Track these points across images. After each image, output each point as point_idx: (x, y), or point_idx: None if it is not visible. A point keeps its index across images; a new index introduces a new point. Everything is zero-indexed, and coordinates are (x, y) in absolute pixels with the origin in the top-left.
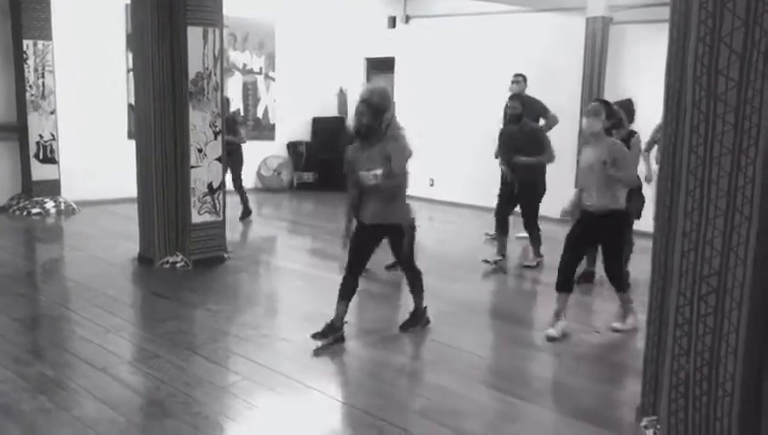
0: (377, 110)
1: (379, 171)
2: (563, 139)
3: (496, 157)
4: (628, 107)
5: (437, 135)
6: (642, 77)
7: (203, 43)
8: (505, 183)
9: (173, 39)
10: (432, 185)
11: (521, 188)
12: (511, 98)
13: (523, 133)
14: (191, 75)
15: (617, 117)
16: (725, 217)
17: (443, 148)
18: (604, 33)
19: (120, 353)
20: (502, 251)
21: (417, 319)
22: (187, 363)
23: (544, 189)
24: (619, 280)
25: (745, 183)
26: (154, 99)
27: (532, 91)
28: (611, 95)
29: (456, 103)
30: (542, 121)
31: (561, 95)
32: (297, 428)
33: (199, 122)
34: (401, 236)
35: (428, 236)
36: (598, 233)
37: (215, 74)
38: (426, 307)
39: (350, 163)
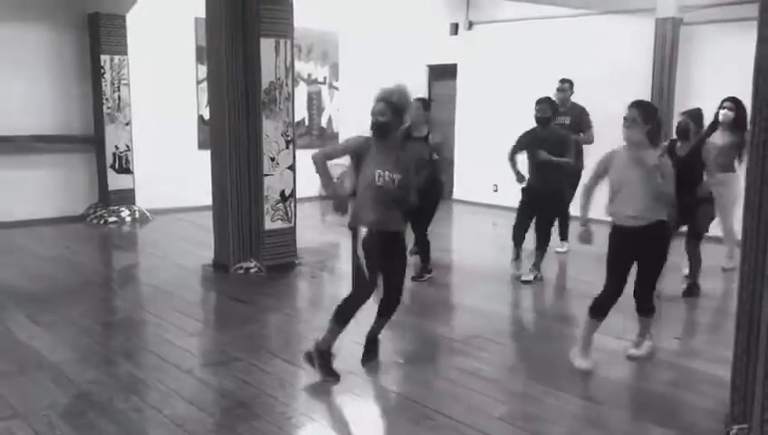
0: (396, 109)
1: (396, 176)
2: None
3: (510, 159)
4: (696, 116)
5: (501, 141)
6: (715, 78)
7: (275, 54)
8: (526, 192)
9: (246, 51)
10: (496, 191)
11: (541, 197)
12: (538, 101)
13: (552, 138)
14: (264, 86)
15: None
16: None
17: (507, 153)
18: (674, 34)
19: (203, 356)
20: (518, 265)
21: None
22: (269, 366)
23: (570, 199)
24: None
25: None
26: (228, 109)
27: (602, 94)
28: (683, 98)
29: (520, 109)
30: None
31: (630, 99)
32: (378, 429)
33: (272, 132)
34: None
35: (495, 243)
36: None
37: (286, 85)
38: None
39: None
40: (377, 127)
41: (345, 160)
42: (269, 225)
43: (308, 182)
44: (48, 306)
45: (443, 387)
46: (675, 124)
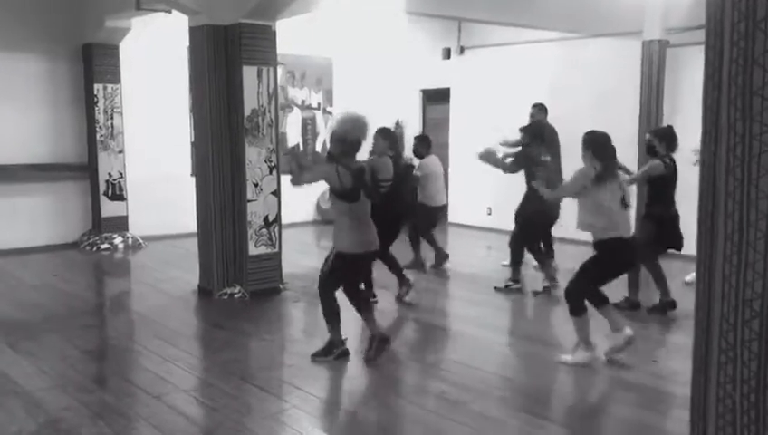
0: (339, 139)
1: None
2: None
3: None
4: (664, 135)
5: None
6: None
7: (257, 81)
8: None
9: (229, 78)
10: (490, 214)
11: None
12: (519, 129)
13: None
14: (246, 112)
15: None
16: (766, 239)
17: (500, 177)
18: (661, 56)
19: (175, 382)
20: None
21: (329, 350)
22: (239, 392)
23: (540, 220)
24: (572, 303)
25: None
26: (212, 136)
27: (591, 117)
28: (670, 119)
29: (512, 132)
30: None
31: (617, 121)
32: None
33: (255, 158)
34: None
35: (486, 266)
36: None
37: (269, 111)
38: (345, 339)
39: None
40: (327, 155)
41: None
42: (253, 250)
43: (298, 208)
44: (30, 334)
45: (408, 410)
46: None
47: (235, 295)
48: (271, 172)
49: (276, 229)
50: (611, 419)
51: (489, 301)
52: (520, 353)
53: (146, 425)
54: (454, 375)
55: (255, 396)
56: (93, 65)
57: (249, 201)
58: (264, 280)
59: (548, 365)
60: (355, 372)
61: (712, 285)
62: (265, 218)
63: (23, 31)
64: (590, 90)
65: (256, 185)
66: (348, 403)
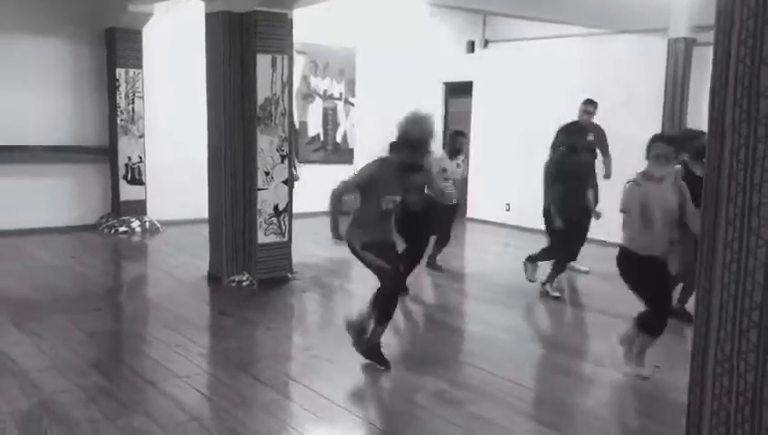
0: (427, 148)
1: (398, 198)
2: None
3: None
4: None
5: (514, 159)
6: None
7: (271, 70)
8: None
9: (243, 66)
10: (508, 210)
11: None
12: (570, 132)
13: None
14: (260, 101)
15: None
16: None
17: (520, 172)
18: (687, 54)
19: (174, 369)
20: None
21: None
22: (234, 381)
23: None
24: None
25: None
26: (224, 123)
27: (614, 114)
28: (694, 120)
29: (534, 127)
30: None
31: (640, 120)
32: None
33: (267, 146)
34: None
35: (503, 264)
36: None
37: (282, 100)
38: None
39: (375, 180)
40: (410, 167)
41: None
42: (262, 238)
43: (314, 197)
44: (38, 314)
45: (403, 408)
46: None
47: (244, 283)
48: (282, 161)
49: (286, 218)
50: (606, 423)
51: (499, 299)
52: (525, 354)
53: (137, 411)
54: (456, 374)
55: (251, 386)
56: (116, 50)
57: (260, 190)
58: (273, 269)
59: (551, 368)
60: (356, 368)
61: (711, 293)
62: (275, 207)
63: (46, 14)
64: (614, 87)
65: (267, 174)
66: (344, 399)
